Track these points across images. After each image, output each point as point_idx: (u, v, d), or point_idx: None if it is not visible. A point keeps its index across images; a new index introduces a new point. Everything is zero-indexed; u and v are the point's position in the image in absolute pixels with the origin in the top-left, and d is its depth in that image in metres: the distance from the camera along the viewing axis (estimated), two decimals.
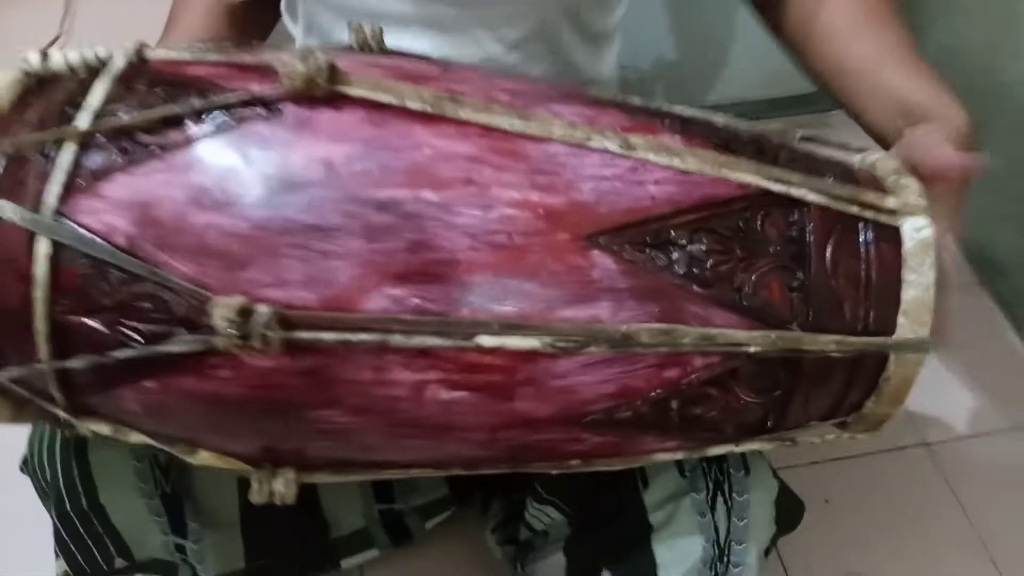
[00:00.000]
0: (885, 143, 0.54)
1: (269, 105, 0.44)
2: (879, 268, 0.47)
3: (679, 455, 0.51)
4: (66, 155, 0.44)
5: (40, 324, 0.44)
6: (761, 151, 0.49)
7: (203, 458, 0.49)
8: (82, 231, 0.43)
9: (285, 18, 0.76)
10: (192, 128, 0.44)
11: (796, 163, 0.49)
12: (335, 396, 0.45)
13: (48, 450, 0.59)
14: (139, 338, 0.44)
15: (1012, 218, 1.05)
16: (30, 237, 0.43)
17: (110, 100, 0.46)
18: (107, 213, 0.43)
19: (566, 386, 0.45)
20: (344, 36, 0.64)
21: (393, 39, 0.56)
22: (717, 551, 0.54)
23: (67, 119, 0.46)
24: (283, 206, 0.43)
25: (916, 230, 0.47)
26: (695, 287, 0.45)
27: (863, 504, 0.89)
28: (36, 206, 0.44)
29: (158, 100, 0.45)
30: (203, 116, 0.44)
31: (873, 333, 0.47)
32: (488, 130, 0.45)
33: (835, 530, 0.85)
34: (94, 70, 0.49)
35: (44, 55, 0.49)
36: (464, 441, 0.48)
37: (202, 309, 0.43)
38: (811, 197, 0.47)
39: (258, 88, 0.45)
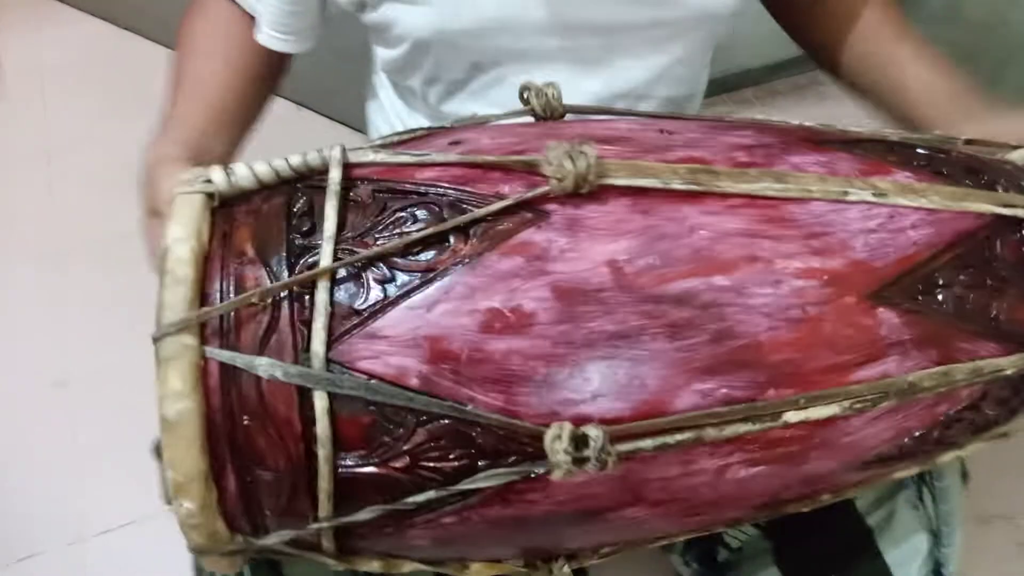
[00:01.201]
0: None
1: (534, 208, 0.41)
2: None
3: (915, 470, 0.53)
4: (322, 295, 0.40)
5: (324, 483, 0.40)
6: (971, 171, 0.50)
7: (474, 571, 0.47)
8: (368, 379, 0.39)
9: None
10: (459, 245, 0.41)
11: (1003, 180, 0.50)
12: (640, 495, 0.43)
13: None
14: (439, 478, 0.41)
15: None
16: (301, 393, 0.39)
17: (342, 222, 0.41)
18: (393, 355, 0.40)
19: (853, 441, 0.46)
20: (477, 86, 0.61)
21: (537, 77, 0.53)
22: (934, 539, 0.56)
23: (299, 250, 0.41)
24: (581, 318, 0.40)
25: None
26: (962, 324, 0.46)
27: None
28: (302, 358, 0.39)
29: (406, 217, 0.41)
30: (468, 230, 0.41)
31: None
32: (751, 199, 0.44)
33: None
34: (287, 180, 0.44)
35: (227, 170, 0.43)
36: (743, 508, 0.48)
37: (513, 438, 0.40)
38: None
39: (511, 190, 0.42)
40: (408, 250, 0.41)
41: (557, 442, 0.39)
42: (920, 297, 0.45)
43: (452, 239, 0.41)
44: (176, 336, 0.39)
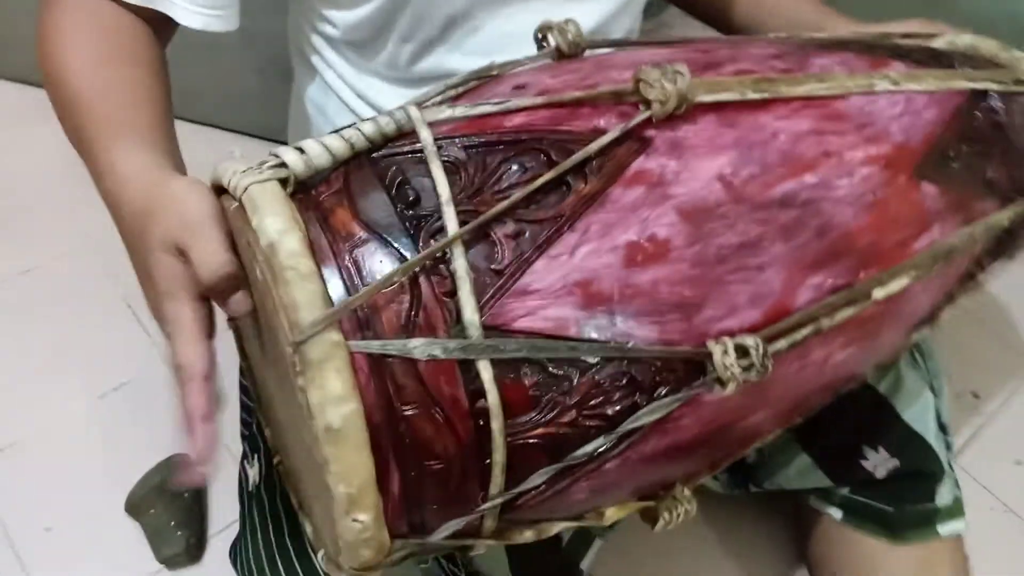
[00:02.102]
0: None
1: (636, 137, 0.41)
2: None
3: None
4: (460, 262, 0.37)
5: (499, 456, 0.38)
6: (934, 57, 0.56)
7: (609, 515, 0.47)
8: (530, 338, 0.37)
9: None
10: (579, 186, 0.39)
11: (955, 61, 0.57)
12: (765, 399, 0.45)
13: None
14: (604, 424, 0.40)
15: None
16: (463, 367, 0.37)
17: (452, 184, 0.39)
18: (548, 307, 0.38)
19: (912, 308, 0.50)
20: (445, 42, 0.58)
21: (512, 22, 0.52)
22: (933, 392, 0.64)
23: (415, 221, 0.38)
24: (708, 236, 0.41)
25: None
26: (972, 188, 0.51)
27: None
28: (455, 331, 0.37)
29: (514, 168, 0.39)
30: (584, 169, 0.40)
31: None
32: (806, 101, 0.46)
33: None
34: (358, 153, 0.40)
35: (300, 150, 0.39)
36: (825, 390, 0.51)
37: (667, 368, 0.40)
38: (992, 87, 0.55)
39: (607, 123, 0.41)
40: (532, 200, 0.39)
41: (726, 357, 0.39)
42: (943, 169, 0.50)
43: (571, 181, 0.39)
44: (323, 335, 0.35)
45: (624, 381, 0.39)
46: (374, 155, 0.40)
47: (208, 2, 0.55)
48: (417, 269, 0.37)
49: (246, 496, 0.59)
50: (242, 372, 0.73)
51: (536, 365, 0.38)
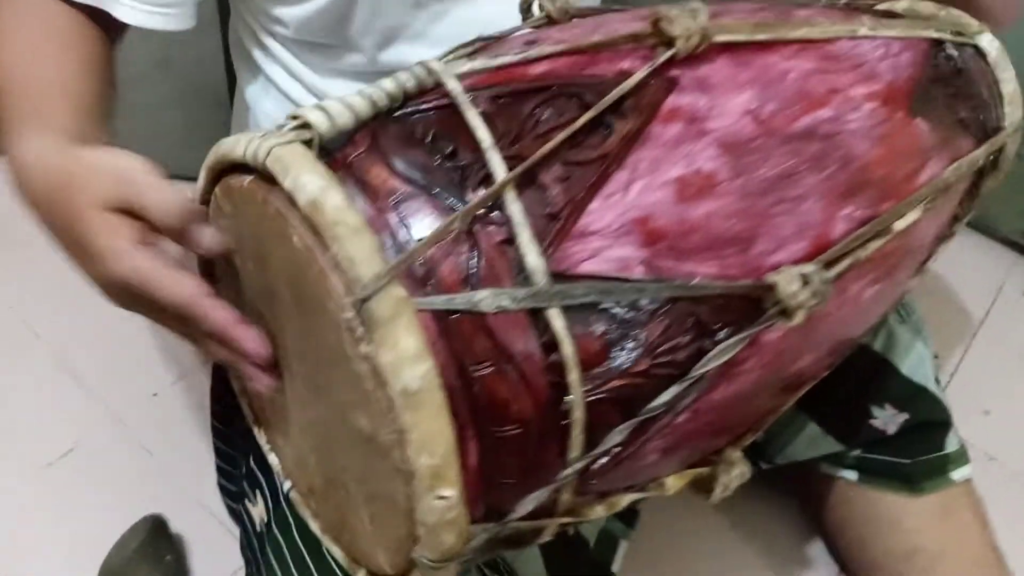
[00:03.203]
0: None
1: (662, 77, 0.40)
2: (988, 76, 0.60)
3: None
4: (515, 207, 0.35)
5: (578, 412, 0.35)
6: (891, 14, 0.58)
7: (670, 485, 0.44)
8: (598, 281, 0.35)
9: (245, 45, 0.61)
10: (620, 125, 0.38)
11: (909, 17, 0.59)
12: (812, 340, 0.44)
13: None
14: (675, 371, 0.38)
15: None
16: (532, 317, 0.34)
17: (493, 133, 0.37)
18: (610, 248, 0.36)
19: (920, 244, 0.51)
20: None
21: (480, 6, 0.52)
22: (924, 343, 0.64)
23: (459, 171, 0.35)
24: (749, 168, 0.40)
25: (990, 43, 0.61)
26: (951, 127, 0.53)
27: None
28: (519, 280, 0.34)
29: (548, 114, 0.38)
30: (620, 109, 0.38)
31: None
32: (804, 44, 0.46)
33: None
34: (379, 113, 0.38)
35: (324, 110, 0.36)
36: (853, 336, 0.51)
37: (727, 307, 0.39)
38: (946, 36, 0.58)
39: (631, 64, 0.40)
40: (574, 142, 0.37)
41: (792, 286, 0.38)
42: (929, 107, 0.51)
43: (610, 120, 0.38)
44: (388, 290, 0.31)
45: (690, 323, 0.38)
46: (397, 114, 0.38)
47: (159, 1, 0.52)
48: (472, 218, 0.34)
49: (254, 539, 0.53)
50: (217, 419, 0.67)
51: (604, 312, 0.36)
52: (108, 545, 0.66)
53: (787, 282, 0.38)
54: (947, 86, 0.54)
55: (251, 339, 0.37)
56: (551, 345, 0.34)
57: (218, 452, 0.66)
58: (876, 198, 0.45)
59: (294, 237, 0.34)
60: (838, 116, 0.44)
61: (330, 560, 0.49)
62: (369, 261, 0.31)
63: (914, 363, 0.63)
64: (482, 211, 0.35)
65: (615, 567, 0.62)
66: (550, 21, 0.48)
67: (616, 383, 0.36)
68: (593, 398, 0.36)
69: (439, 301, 0.33)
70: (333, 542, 0.45)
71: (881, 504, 0.63)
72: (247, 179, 0.37)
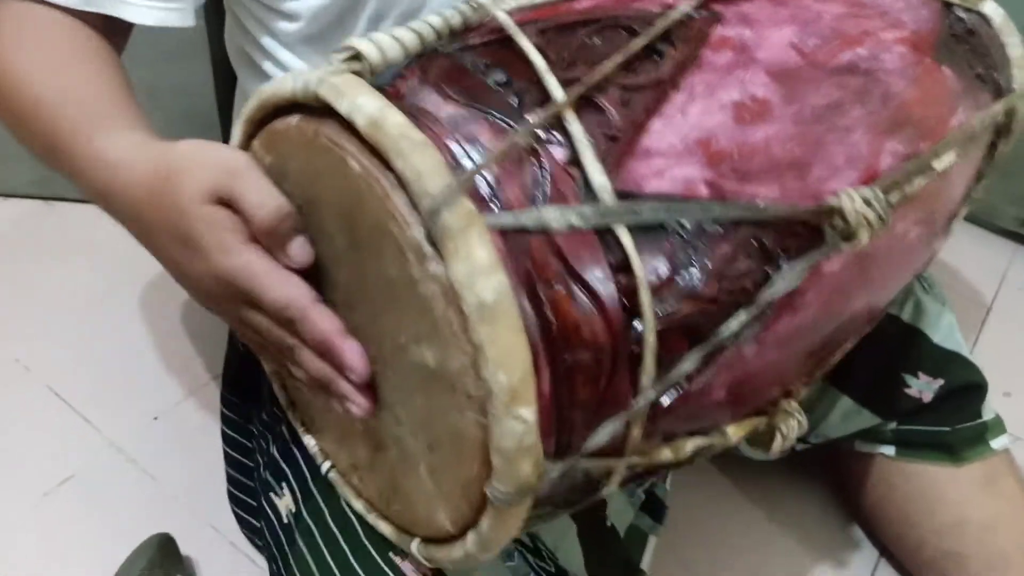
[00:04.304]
0: None
1: (707, 10, 0.40)
2: (995, 40, 0.61)
3: None
4: (576, 127, 0.34)
5: (651, 337, 0.34)
6: None
7: (731, 433, 0.42)
8: (665, 199, 0.34)
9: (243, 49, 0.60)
10: (672, 52, 0.37)
11: None
12: (869, 277, 0.43)
13: None
14: (743, 298, 0.36)
15: None
16: (601, 237, 0.33)
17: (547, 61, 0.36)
18: (674, 167, 0.35)
19: (952, 192, 0.51)
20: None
21: None
22: (951, 312, 0.64)
23: (518, 96, 0.35)
24: (800, 96, 0.39)
25: (994, 9, 0.62)
26: (972, 79, 0.53)
27: None
28: (586, 199, 0.33)
29: (599, 43, 0.37)
30: (670, 38, 0.38)
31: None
32: None
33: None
34: (432, 48, 0.37)
35: (374, 41, 0.35)
36: (899, 282, 0.50)
37: (789, 231, 0.38)
38: (954, 0, 0.59)
39: (675, 1, 0.40)
40: (629, 68, 0.36)
41: (857, 205, 0.37)
42: (952, 57, 0.51)
43: (663, 48, 0.37)
44: (458, 203, 0.30)
45: (754, 248, 0.37)
46: (446, 50, 0.37)
47: None
48: (534, 137, 0.33)
49: (280, 532, 0.50)
50: (232, 412, 0.64)
51: (672, 233, 0.34)
52: (112, 571, 0.62)
53: (851, 201, 0.37)
54: (963, 43, 0.55)
55: (354, 353, 0.35)
56: (621, 266, 0.33)
57: (228, 458, 0.63)
58: (916, 136, 0.45)
59: (352, 163, 0.32)
60: (874, 55, 0.44)
61: (366, 543, 0.46)
62: (437, 172, 0.30)
63: (945, 331, 0.62)
64: (543, 132, 0.34)
65: (644, 563, 0.60)
66: None
67: (686, 307, 0.35)
68: (663, 322, 0.34)
69: (507, 218, 0.31)
70: (380, 518, 0.43)
71: (923, 477, 0.62)
72: (295, 119, 0.35)
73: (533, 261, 0.32)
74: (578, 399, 0.33)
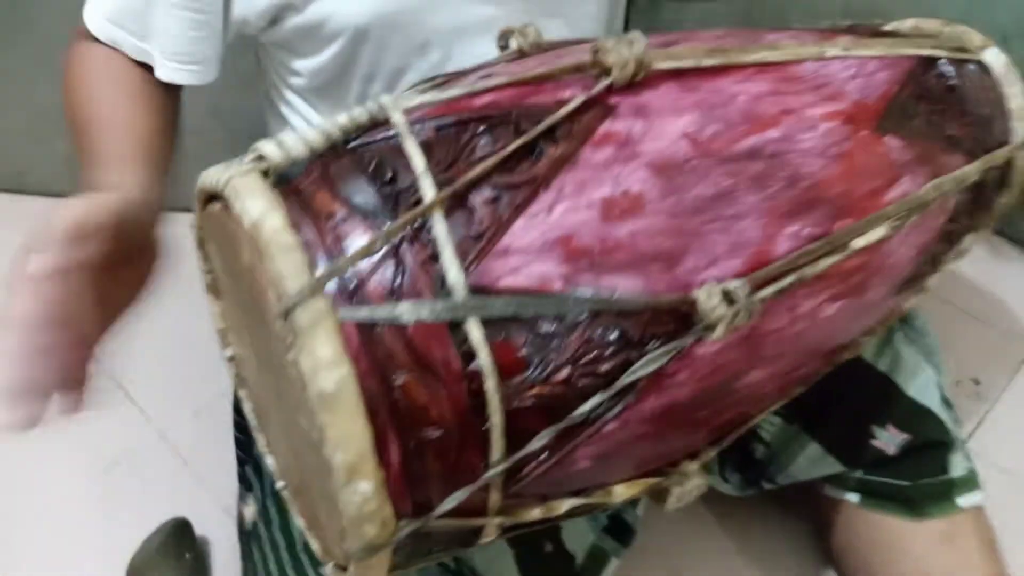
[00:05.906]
0: None
1: (600, 104, 0.42)
2: (991, 91, 0.59)
3: (914, 301, 0.59)
4: (440, 226, 0.38)
5: (496, 418, 0.38)
6: (877, 33, 0.58)
7: (618, 493, 0.46)
8: (515, 295, 0.38)
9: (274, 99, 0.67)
10: (551, 150, 0.41)
11: (899, 36, 0.59)
12: (758, 354, 0.45)
13: None
14: (599, 381, 0.40)
15: None
16: (452, 329, 0.37)
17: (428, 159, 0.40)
18: (530, 264, 0.38)
19: (894, 263, 0.51)
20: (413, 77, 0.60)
21: (481, 49, 0.54)
22: (934, 367, 0.63)
23: (394, 195, 0.39)
24: (681, 188, 0.42)
25: (995, 57, 0.60)
26: (935, 142, 0.53)
27: None
28: (441, 294, 0.37)
29: (484, 141, 0.41)
30: (553, 135, 0.41)
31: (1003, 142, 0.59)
32: (761, 67, 0.48)
33: None
34: (334, 145, 0.42)
35: (279, 143, 0.40)
36: (821, 352, 0.51)
37: (655, 321, 0.40)
38: (941, 53, 0.57)
39: (571, 93, 0.43)
40: (505, 167, 0.40)
41: (711, 300, 0.39)
42: (905, 124, 0.51)
43: (542, 146, 0.41)
44: (310, 302, 0.35)
45: (615, 336, 0.40)
46: (350, 145, 0.41)
47: (186, 58, 0.58)
48: (399, 238, 0.38)
49: (244, 537, 0.58)
50: (238, 429, 0.72)
51: (525, 324, 0.38)
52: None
53: (707, 296, 0.39)
54: (934, 103, 0.54)
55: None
56: (470, 354, 0.37)
57: (239, 460, 0.72)
58: (830, 215, 0.46)
59: (244, 255, 0.38)
60: (788, 136, 0.45)
61: (301, 554, 0.53)
62: (295, 276, 0.35)
63: (920, 385, 0.62)
64: (411, 231, 0.38)
65: None
66: (521, 55, 0.51)
67: (537, 391, 0.38)
68: (513, 406, 0.38)
69: (362, 312, 0.36)
70: (313, 537, 0.49)
71: (886, 528, 0.62)
72: (217, 206, 0.41)
73: (385, 350, 0.36)
74: (430, 469, 0.38)
